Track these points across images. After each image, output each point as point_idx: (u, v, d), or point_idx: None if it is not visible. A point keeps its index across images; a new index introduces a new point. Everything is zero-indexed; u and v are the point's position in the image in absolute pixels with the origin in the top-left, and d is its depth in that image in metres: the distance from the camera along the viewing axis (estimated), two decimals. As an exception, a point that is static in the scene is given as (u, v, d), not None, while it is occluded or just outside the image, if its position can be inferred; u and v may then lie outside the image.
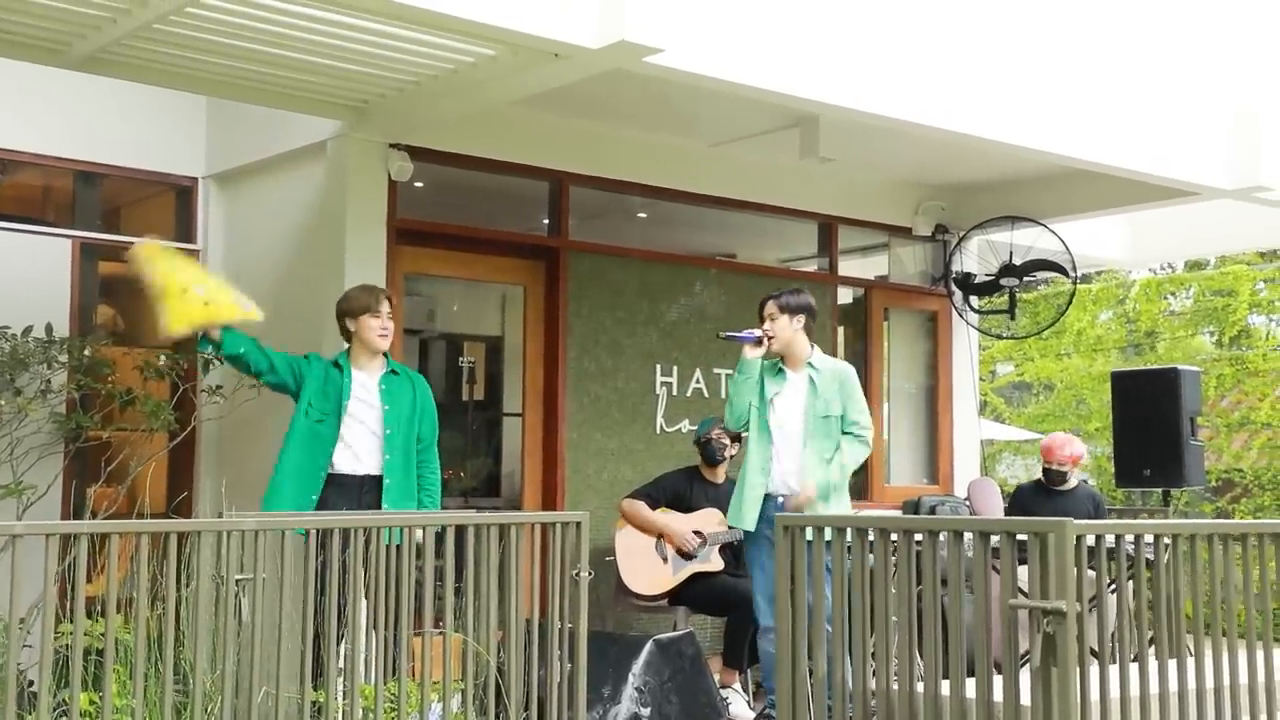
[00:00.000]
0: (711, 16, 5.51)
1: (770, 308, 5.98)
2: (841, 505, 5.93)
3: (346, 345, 5.88)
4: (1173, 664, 4.10)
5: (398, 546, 4.62)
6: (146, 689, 4.02)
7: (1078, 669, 3.58)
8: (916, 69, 6.31)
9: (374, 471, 5.69)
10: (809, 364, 5.98)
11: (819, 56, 5.93)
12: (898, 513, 8.65)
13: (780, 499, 5.85)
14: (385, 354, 5.90)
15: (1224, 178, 7.56)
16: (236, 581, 4.27)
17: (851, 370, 6.10)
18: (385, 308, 5.81)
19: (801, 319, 5.97)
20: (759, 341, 5.92)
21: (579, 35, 5.16)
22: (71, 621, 3.91)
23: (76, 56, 5.58)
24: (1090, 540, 3.85)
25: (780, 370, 6.00)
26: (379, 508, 5.66)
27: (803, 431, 5.90)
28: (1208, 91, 7.46)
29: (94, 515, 6.48)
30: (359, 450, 5.69)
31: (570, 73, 5.59)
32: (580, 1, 5.13)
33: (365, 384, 5.79)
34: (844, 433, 5.95)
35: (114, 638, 3.96)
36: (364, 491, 5.67)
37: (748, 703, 6.67)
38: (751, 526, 5.83)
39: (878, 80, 6.17)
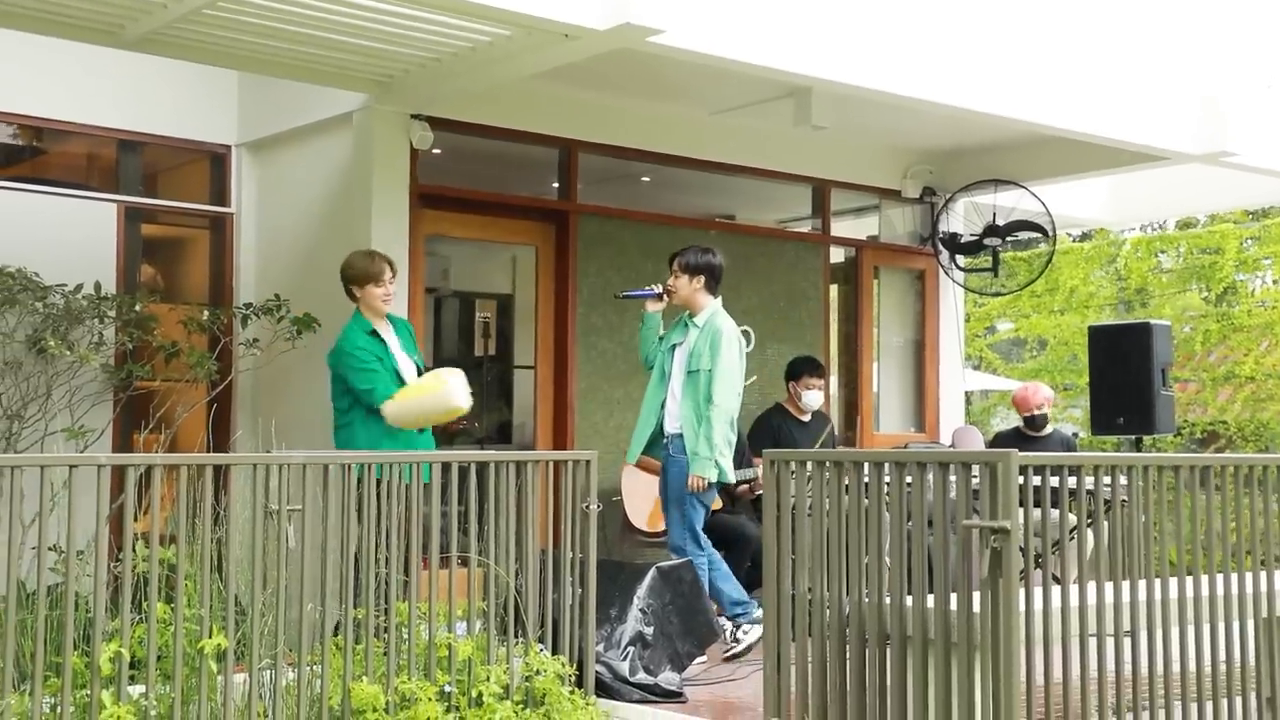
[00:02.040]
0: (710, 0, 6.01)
1: (675, 266, 6.59)
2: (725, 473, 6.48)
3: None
4: (1109, 586, 4.65)
5: (426, 484, 5.14)
6: (210, 604, 4.54)
7: (1019, 581, 4.15)
8: (904, 45, 6.80)
9: None
10: (691, 321, 6.55)
11: (811, 34, 6.43)
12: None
13: (669, 438, 6.51)
14: None
15: (1193, 144, 8.06)
16: (287, 511, 4.80)
17: (727, 332, 6.49)
18: (388, 275, 6.29)
19: (701, 279, 6.53)
20: (659, 297, 6.55)
21: (587, 18, 5.66)
22: (133, 549, 4.45)
23: (129, 38, 6.09)
24: (1036, 480, 4.38)
25: (685, 324, 6.60)
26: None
27: (681, 384, 6.50)
28: (1178, 63, 7.94)
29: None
30: None
31: (579, 51, 6.10)
32: (588, -13, 5.64)
33: (392, 342, 6.35)
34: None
35: (181, 559, 4.48)
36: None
37: (743, 630, 7.25)
38: (634, 460, 6.62)
39: (867, 56, 6.67)
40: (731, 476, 6.60)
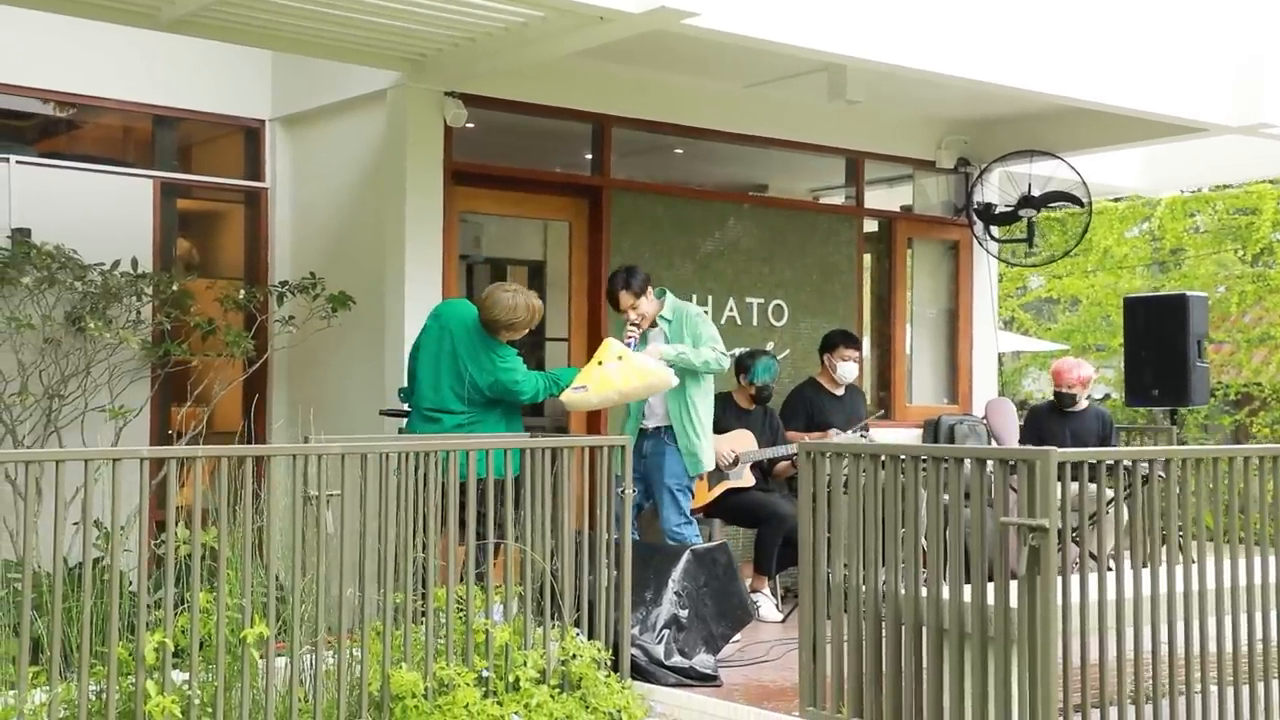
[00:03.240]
0: (744, -19, 5.96)
1: (624, 300, 6.63)
2: (690, 438, 6.68)
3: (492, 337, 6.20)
4: (1146, 573, 4.66)
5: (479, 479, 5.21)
6: (252, 591, 4.60)
7: (1059, 578, 4.16)
8: (938, 21, 6.74)
9: None
10: (661, 317, 6.68)
11: (845, 13, 6.37)
12: (918, 432, 9.25)
13: (650, 431, 6.73)
14: None
15: (1230, 115, 7.97)
16: (326, 497, 4.85)
17: (692, 307, 6.81)
18: None
19: (649, 289, 6.67)
20: (641, 337, 6.66)
21: (622, 2, 5.63)
22: (174, 531, 4.52)
23: (165, 20, 6.10)
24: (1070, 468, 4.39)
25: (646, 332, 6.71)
26: None
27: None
28: (1214, 34, 7.85)
29: (180, 434, 7.15)
30: None
31: (613, 33, 6.07)
32: (623, -30, 5.60)
33: None
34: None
35: (222, 548, 4.54)
36: None
37: (776, 605, 7.30)
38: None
39: (901, 33, 6.61)
40: (710, 463, 6.78)
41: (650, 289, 6.69)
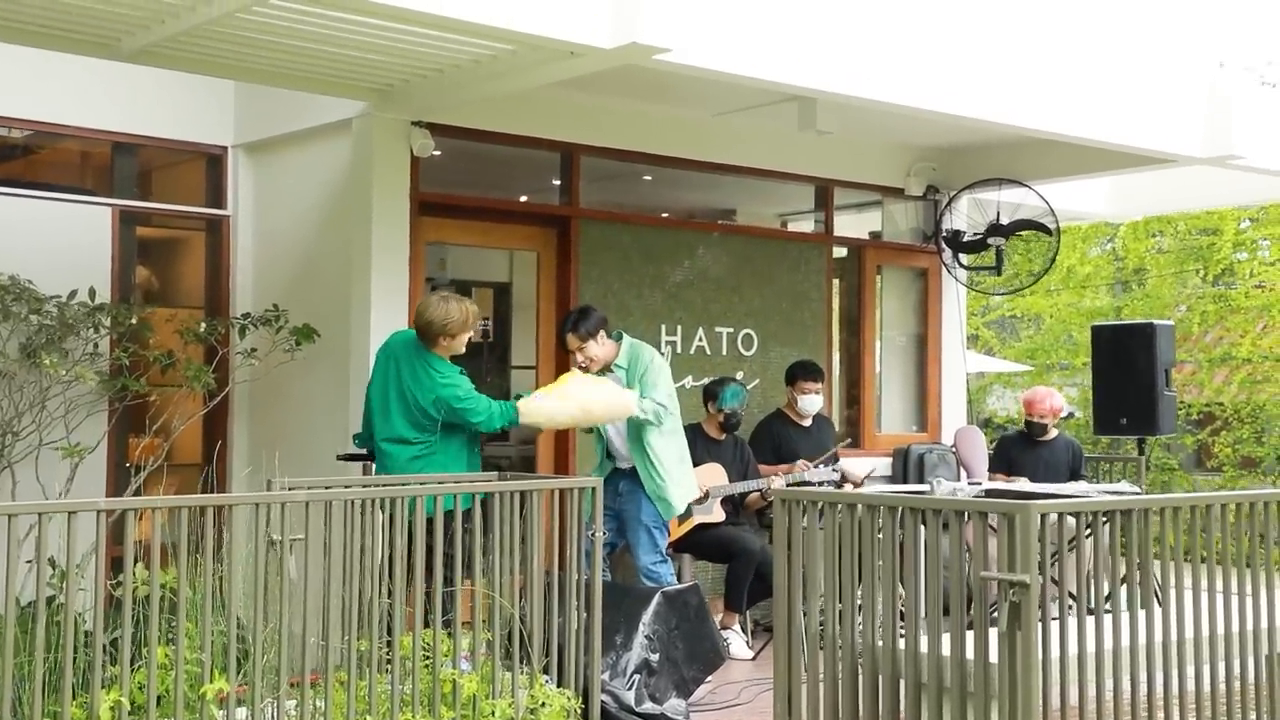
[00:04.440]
0: (716, 17, 5.87)
1: (573, 342, 6.54)
2: (656, 482, 6.56)
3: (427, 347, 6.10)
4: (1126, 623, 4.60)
5: (430, 517, 5.10)
6: (212, 643, 4.48)
7: (1039, 634, 4.10)
8: (907, 56, 6.68)
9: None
10: (616, 365, 6.56)
11: (816, 48, 6.31)
12: (888, 460, 9.20)
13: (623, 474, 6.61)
14: None
15: (1199, 147, 7.97)
16: (289, 541, 4.73)
17: (646, 354, 6.60)
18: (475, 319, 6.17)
19: (601, 334, 6.54)
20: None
21: (593, 37, 5.54)
22: (127, 573, 4.39)
23: (126, 50, 5.96)
24: (1054, 518, 4.32)
25: (602, 373, 6.59)
26: None
27: (623, 423, 6.52)
28: (1183, 66, 7.85)
29: (139, 468, 6.99)
30: None
31: (584, 67, 5.98)
32: (594, 5, 5.49)
33: None
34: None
35: (181, 605, 4.42)
36: None
37: (747, 642, 7.23)
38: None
39: (872, 67, 6.55)
40: (682, 505, 6.66)
41: (605, 333, 6.56)
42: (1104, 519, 4.51)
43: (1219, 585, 4.90)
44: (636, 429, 6.46)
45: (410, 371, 6.06)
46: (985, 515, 4.30)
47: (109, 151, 7.80)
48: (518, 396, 6.26)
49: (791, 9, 6.18)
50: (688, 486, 6.64)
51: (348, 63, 6.28)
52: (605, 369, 6.58)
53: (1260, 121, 8.08)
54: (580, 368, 6.50)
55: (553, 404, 6.12)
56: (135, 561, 4.41)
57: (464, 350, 6.15)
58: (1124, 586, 4.58)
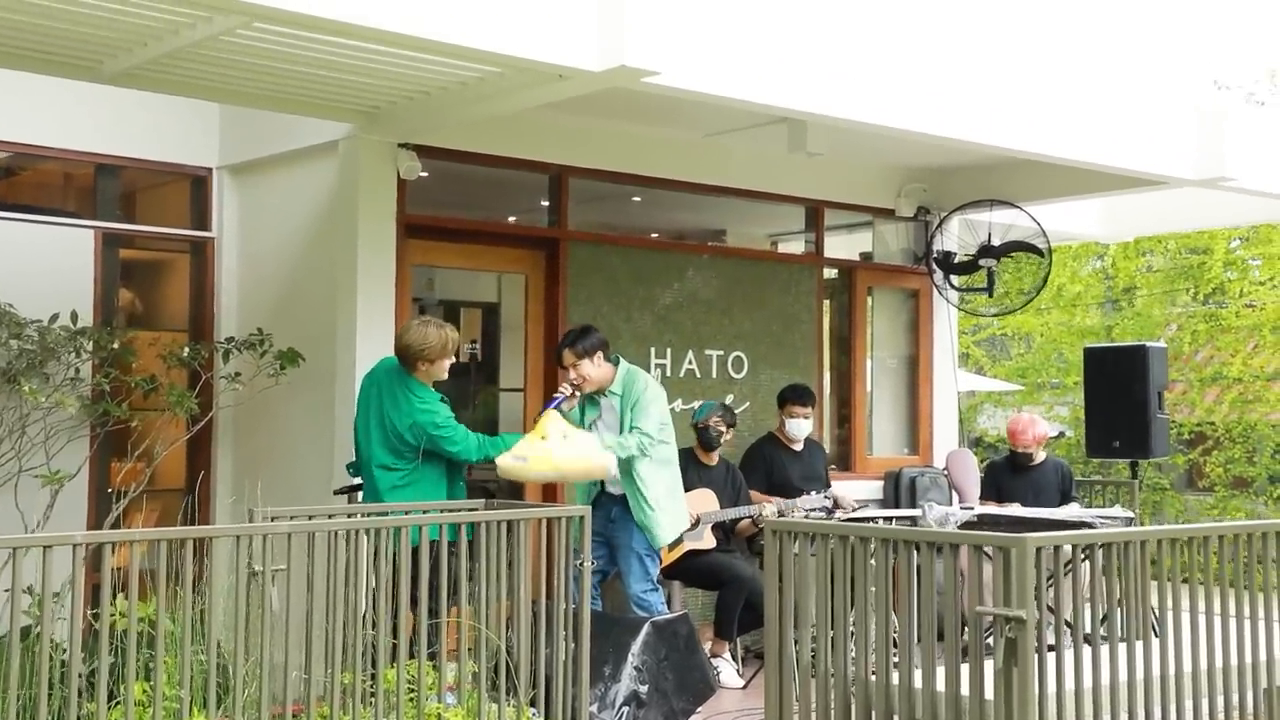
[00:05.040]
0: (704, 39, 5.82)
1: (568, 358, 6.43)
2: (644, 511, 6.41)
3: (408, 372, 6.04)
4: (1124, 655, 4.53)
5: (415, 547, 5.02)
6: (191, 676, 4.39)
7: (1036, 670, 4.02)
8: (898, 78, 6.63)
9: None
10: (610, 391, 6.45)
11: (806, 70, 6.25)
12: (879, 484, 9.12)
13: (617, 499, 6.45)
14: None
15: (1191, 169, 7.92)
16: (271, 571, 4.65)
17: (641, 382, 6.47)
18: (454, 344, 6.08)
19: (599, 354, 6.43)
20: (570, 396, 6.40)
21: (581, 60, 5.47)
22: (104, 604, 4.29)
23: (107, 73, 5.89)
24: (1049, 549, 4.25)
25: (592, 398, 6.50)
26: None
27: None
28: (1175, 88, 7.82)
29: (121, 494, 6.91)
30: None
31: (572, 90, 5.91)
32: (581, 28, 5.43)
33: None
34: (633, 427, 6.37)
35: (158, 628, 4.33)
36: None
37: (737, 670, 7.14)
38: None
39: (862, 89, 6.50)
40: (669, 537, 6.52)
41: (603, 355, 6.45)
42: (1100, 549, 4.43)
43: (1216, 609, 4.83)
44: (627, 458, 6.37)
45: (390, 397, 6.00)
46: (980, 549, 4.22)
47: (92, 173, 7.72)
48: (501, 439, 6.14)
49: (781, 31, 6.13)
50: (676, 517, 6.52)
51: (333, 85, 6.21)
52: (600, 393, 6.49)
53: (1251, 142, 8.04)
54: (572, 385, 6.39)
55: (534, 471, 6.06)
56: (114, 594, 4.32)
57: (445, 376, 6.09)
58: (1120, 613, 4.52)
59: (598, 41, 5.46)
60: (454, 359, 6.05)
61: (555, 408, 6.26)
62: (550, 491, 7.74)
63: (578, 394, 6.43)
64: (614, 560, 6.56)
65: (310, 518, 5.34)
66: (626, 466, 6.35)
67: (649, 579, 6.48)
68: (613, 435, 6.41)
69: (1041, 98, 7.25)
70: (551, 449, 5.98)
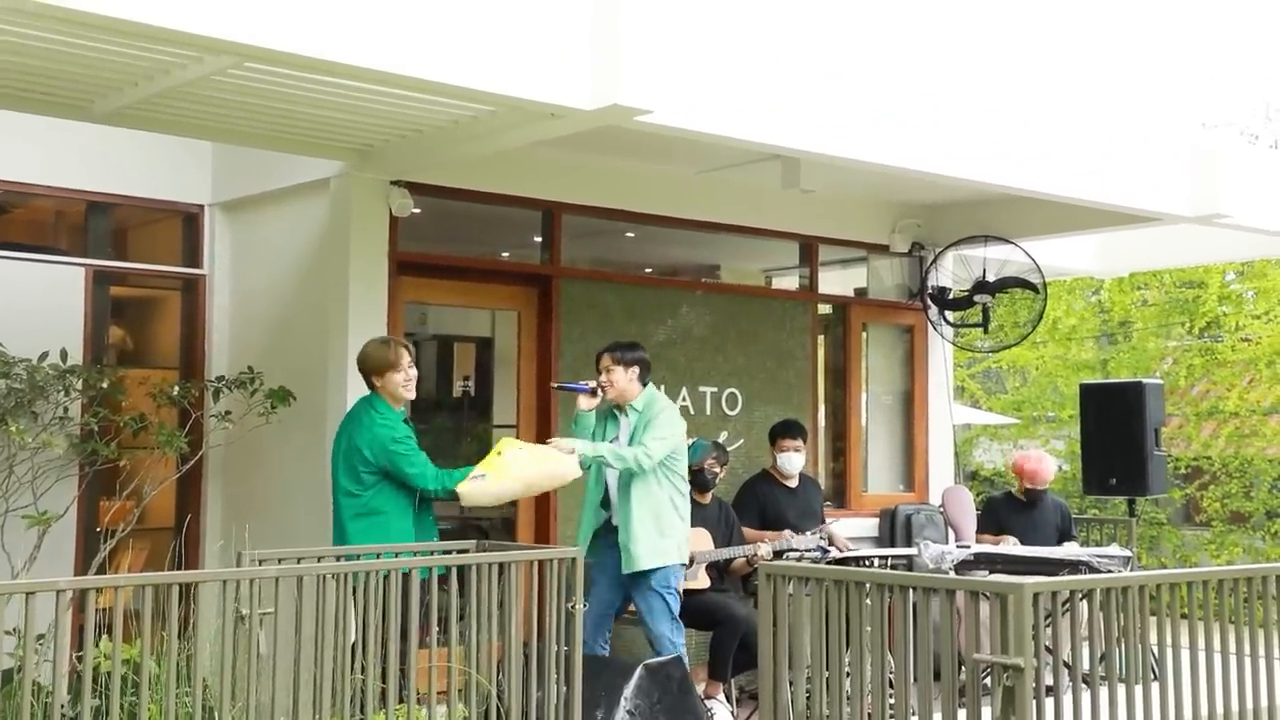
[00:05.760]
0: (697, 78, 5.79)
1: (605, 361, 6.45)
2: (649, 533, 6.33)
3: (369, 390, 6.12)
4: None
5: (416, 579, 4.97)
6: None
7: (1035, 718, 3.96)
8: (891, 115, 6.60)
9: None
10: (631, 407, 6.42)
11: (798, 109, 6.21)
12: (874, 522, 9.07)
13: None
14: None
15: (1186, 206, 7.90)
16: (259, 615, 4.61)
17: (659, 404, 6.47)
18: (406, 359, 6.08)
19: (636, 370, 6.46)
20: (593, 393, 6.40)
21: (574, 99, 5.44)
22: (88, 647, 4.24)
23: (98, 113, 5.86)
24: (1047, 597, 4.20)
25: (614, 415, 6.47)
26: None
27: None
28: (1169, 125, 7.81)
29: (110, 533, 6.84)
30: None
31: (564, 128, 5.89)
32: (574, 67, 5.41)
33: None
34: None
35: (143, 673, 4.28)
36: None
37: (731, 712, 7.06)
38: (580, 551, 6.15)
39: (855, 127, 6.47)
40: (639, 565, 6.37)
41: (640, 373, 6.46)
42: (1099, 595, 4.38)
43: (1216, 646, 4.78)
44: (628, 474, 6.31)
45: (356, 418, 6.08)
46: (977, 595, 4.17)
47: (83, 210, 7.68)
48: (461, 471, 6.06)
49: (774, 69, 6.11)
50: (655, 548, 6.35)
51: (325, 124, 6.18)
52: (622, 410, 6.46)
53: (1246, 180, 8.03)
54: (601, 386, 6.41)
55: (495, 486, 5.96)
56: (99, 637, 4.27)
57: (408, 394, 6.09)
58: (1119, 653, 4.47)
59: (590, 80, 5.44)
60: (408, 374, 6.06)
61: (572, 389, 6.41)
62: (543, 529, 7.69)
63: (599, 395, 6.41)
64: (618, 592, 6.47)
65: (299, 560, 5.30)
66: (627, 482, 6.27)
67: (672, 617, 6.35)
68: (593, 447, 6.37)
69: (1036, 135, 7.23)
70: (508, 460, 5.93)
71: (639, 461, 6.27)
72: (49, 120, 6.61)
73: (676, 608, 6.42)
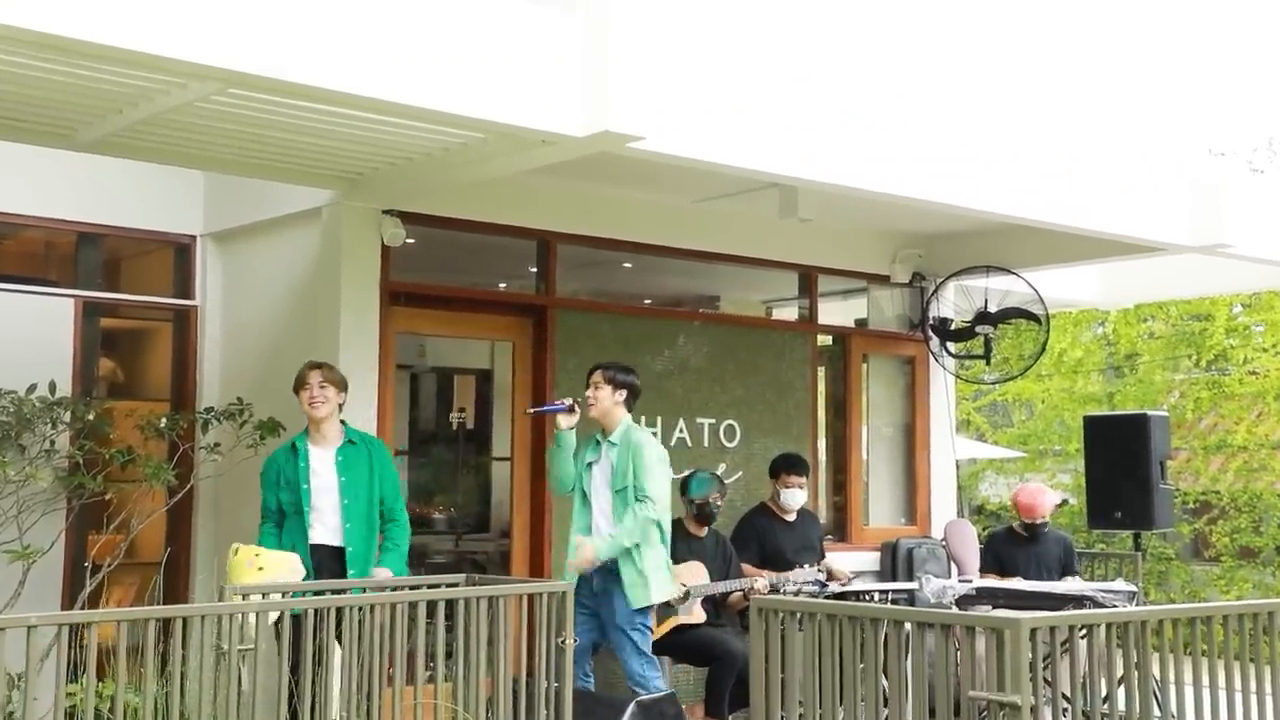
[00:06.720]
0: (690, 104, 5.71)
1: (596, 377, 6.38)
2: (632, 571, 6.16)
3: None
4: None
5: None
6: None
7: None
8: (890, 143, 6.53)
9: (338, 542, 6.00)
10: (609, 440, 6.30)
11: (795, 136, 6.15)
12: (876, 555, 8.94)
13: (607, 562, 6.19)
14: (344, 423, 6.22)
15: (1189, 236, 7.81)
16: (239, 651, 4.52)
17: (646, 443, 6.30)
18: (314, 379, 6.14)
19: (623, 393, 6.36)
20: (570, 410, 6.30)
21: (565, 125, 5.37)
22: (75, 679, 4.15)
23: (82, 141, 5.79)
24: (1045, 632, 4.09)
25: (598, 441, 6.35)
26: (344, 574, 5.94)
27: (609, 503, 6.25)
28: (1172, 155, 7.73)
29: (97, 567, 6.74)
30: (329, 523, 6.03)
31: (556, 155, 5.81)
32: (565, 93, 5.33)
33: (322, 459, 6.11)
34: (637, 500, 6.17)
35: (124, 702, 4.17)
36: (336, 560, 5.99)
37: (728, 749, 6.92)
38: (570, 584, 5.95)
39: (852, 155, 6.39)
40: (660, 596, 6.25)
41: (628, 397, 6.37)
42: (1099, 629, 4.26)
43: (1220, 682, 4.65)
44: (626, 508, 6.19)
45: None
46: (973, 631, 4.05)
47: (73, 241, 7.62)
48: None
49: (769, 96, 6.04)
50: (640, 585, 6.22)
51: (313, 151, 6.11)
52: (605, 437, 6.34)
53: (1250, 210, 7.93)
54: (578, 402, 6.37)
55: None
56: (79, 673, 4.18)
57: (307, 409, 6.16)
58: (1121, 689, 4.35)
59: (582, 107, 5.36)
60: (300, 390, 6.17)
61: (548, 411, 6.41)
62: (537, 562, 7.58)
63: (576, 412, 6.34)
64: (604, 633, 6.35)
65: (284, 594, 5.21)
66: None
67: (644, 655, 6.22)
68: (608, 525, 6.22)
69: (1037, 163, 7.15)
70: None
71: (648, 520, 6.15)
72: (38, 150, 6.55)
73: (647, 644, 6.25)
